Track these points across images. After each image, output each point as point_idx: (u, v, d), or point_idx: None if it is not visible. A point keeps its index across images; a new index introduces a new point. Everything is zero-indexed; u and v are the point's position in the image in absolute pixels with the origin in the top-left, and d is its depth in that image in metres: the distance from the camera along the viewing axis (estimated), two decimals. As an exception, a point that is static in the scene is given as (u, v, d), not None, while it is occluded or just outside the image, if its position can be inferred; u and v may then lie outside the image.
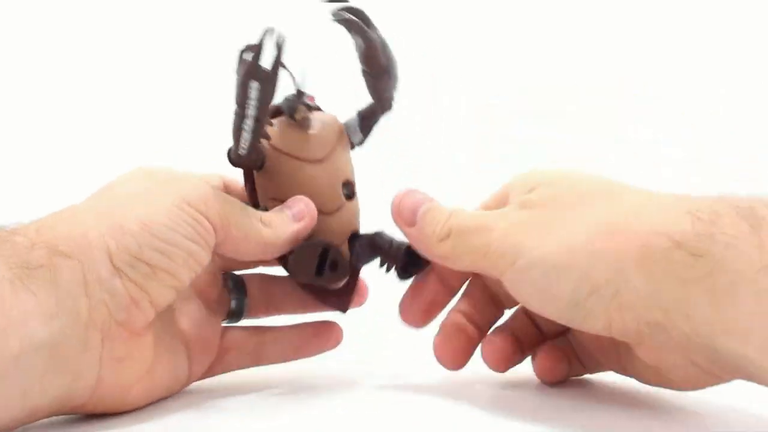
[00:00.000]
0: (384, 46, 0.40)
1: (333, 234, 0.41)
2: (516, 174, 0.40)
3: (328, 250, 0.40)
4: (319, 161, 0.41)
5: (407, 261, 0.42)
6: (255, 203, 0.41)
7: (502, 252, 0.37)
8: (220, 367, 0.43)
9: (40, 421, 0.35)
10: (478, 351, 0.43)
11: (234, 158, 0.39)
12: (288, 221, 0.40)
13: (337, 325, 0.45)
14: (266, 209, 0.40)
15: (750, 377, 0.33)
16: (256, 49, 0.37)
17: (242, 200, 0.40)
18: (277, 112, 0.41)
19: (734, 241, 0.31)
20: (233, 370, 0.44)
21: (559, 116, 0.83)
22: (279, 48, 0.37)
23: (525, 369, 0.43)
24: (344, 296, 0.43)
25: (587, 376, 0.44)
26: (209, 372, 0.42)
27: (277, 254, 0.40)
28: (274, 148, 0.40)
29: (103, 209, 0.36)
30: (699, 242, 0.32)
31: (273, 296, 0.45)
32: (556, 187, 0.38)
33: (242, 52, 0.37)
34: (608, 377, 0.43)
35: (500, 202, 0.40)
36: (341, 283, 0.43)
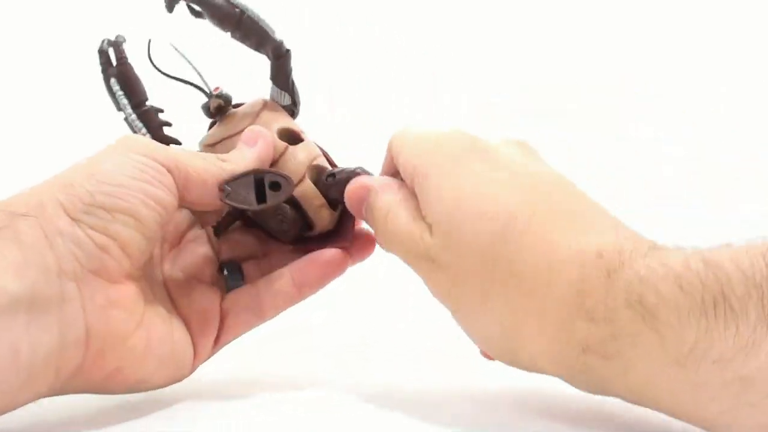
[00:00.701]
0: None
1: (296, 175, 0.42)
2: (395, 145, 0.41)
3: (261, 173, 0.40)
4: (240, 132, 0.42)
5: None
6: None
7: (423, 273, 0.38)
8: (225, 335, 0.41)
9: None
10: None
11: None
12: (244, 150, 0.40)
13: (338, 251, 0.42)
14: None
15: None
16: (100, 56, 0.41)
17: None
18: (212, 124, 0.43)
19: (636, 340, 0.31)
20: (239, 334, 0.42)
21: (560, 114, 0.83)
22: (116, 44, 0.41)
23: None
24: (340, 239, 0.43)
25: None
26: (218, 343, 0.41)
27: None
28: (206, 148, 0.43)
29: (55, 177, 0.37)
30: (604, 346, 0.32)
31: (269, 267, 0.43)
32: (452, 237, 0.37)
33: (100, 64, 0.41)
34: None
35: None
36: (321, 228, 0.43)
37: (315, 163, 0.43)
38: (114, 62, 0.42)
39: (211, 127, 0.44)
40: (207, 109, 0.42)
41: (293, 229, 0.42)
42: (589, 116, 0.82)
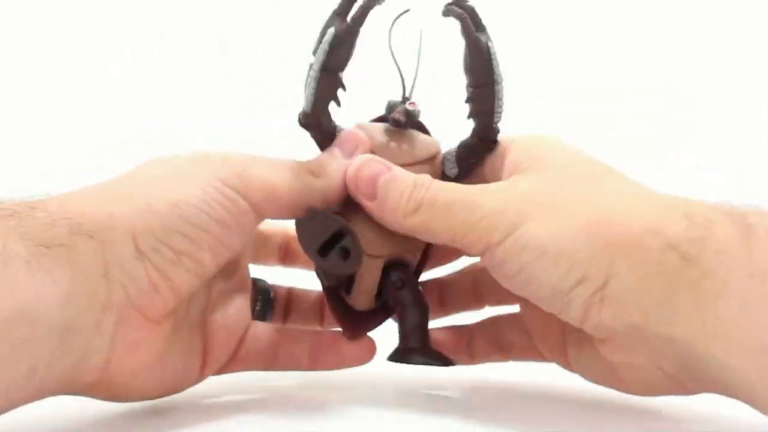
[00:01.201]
0: (491, 55, 0.37)
1: (380, 249, 0.38)
2: (514, 137, 0.39)
3: (344, 232, 0.36)
4: (399, 166, 0.38)
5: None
6: None
7: (493, 228, 0.34)
8: (232, 365, 0.40)
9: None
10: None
11: (300, 117, 0.37)
12: (339, 160, 0.37)
13: (369, 338, 0.40)
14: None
15: (725, 387, 0.33)
16: (343, 4, 0.36)
17: None
18: (383, 119, 0.39)
19: (724, 247, 0.31)
20: (244, 369, 0.40)
21: (601, 117, 0.82)
22: (366, 6, 0.36)
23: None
24: (361, 325, 0.40)
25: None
26: (224, 369, 0.40)
27: (341, 199, 0.38)
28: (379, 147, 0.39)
29: (132, 188, 0.35)
30: (691, 246, 0.32)
31: (295, 310, 0.43)
32: (559, 158, 0.37)
33: (334, 10, 0.37)
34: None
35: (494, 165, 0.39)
36: (362, 305, 0.39)
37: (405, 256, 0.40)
38: (349, 18, 0.36)
39: (376, 120, 0.40)
40: (390, 109, 0.38)
41: (330, 280, 0.39)
42: (629, 143, 0.81)
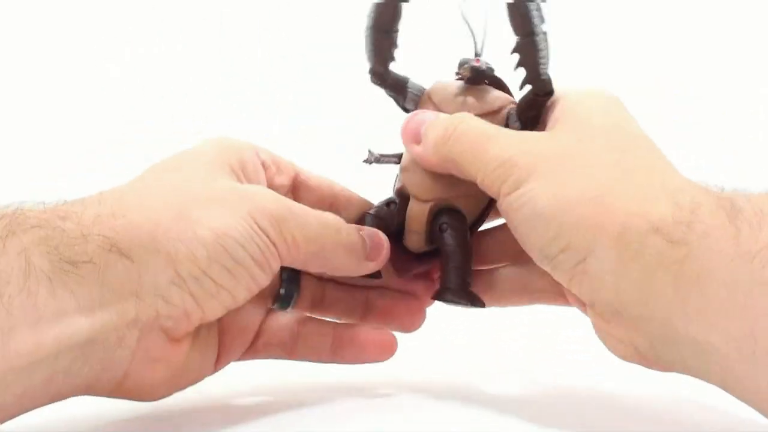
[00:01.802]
0: (529, 7, 0.38)
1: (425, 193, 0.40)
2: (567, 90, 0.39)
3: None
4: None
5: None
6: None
7: (503, 180, 0.36)
8: (248, 354, 0.40)
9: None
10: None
11: (369, 74, 0.39)
12: (360, 249, 0.39)
13: (390, 333, 0.41)
14: (378, 156, 0.42)
15: (697, 370, 0.33)
16: None
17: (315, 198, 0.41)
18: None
19: (710, 230, 0.32)
20: (263, 358, 0.41)
21: None
22: None
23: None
24: (408, 264, 0.42)
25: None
26: (242, 358, 0.40)
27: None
28: (427, 96, 0.40)
29: (174, 203, 0.34)
30: (676, 229, 0.32)
31: (323, 297, 0.42)
32: (592, 119, 0.37)
33: None
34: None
35: None
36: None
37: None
38: None
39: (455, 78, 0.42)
40: (460, 66, 0.40)
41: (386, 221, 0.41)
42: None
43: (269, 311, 0.41)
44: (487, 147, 0.36)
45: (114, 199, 0.34)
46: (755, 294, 0.30)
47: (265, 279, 0.35)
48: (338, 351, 0.41)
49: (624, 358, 0.36)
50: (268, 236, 0.35)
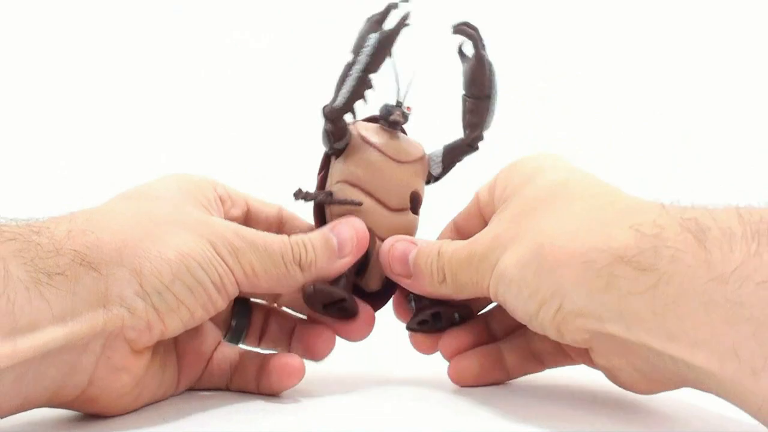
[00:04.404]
0: (492, 71, 0.41)
1: (388, 233, 0.42)
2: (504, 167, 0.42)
3: (343, 300, 0.41)
4: (399, 162, 0.42)
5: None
6: (322, 187, 0.43)
7: (483, 276, 0.39)
8: (202, 382, 0.43)
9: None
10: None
11: (327, 111, 0.40)
12: (332, 257, 0.40)
13: (296, 358, 0.41)
14: (330, 194, 0.42)
15: (696, 386, 0.33)
16: (383, 13, 0.40)
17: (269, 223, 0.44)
18: (373, 120, 0.43)
19: (679, 254, 0.32)
20: (210, 387, 0.43)
21: (601, 117, 0.84)
22: (404, 18, 0.40)
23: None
24: (369, 302, 0.43)
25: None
26: (197, 385, 0.42)
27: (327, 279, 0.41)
28: (363, 138, 0.42)
29: (142, 224, 0.37)
30: (642, 256, 0.33)
31: (271, 330, 0.45)
32: (535, 182, 0.39)
33: (368, 17, 0.40)
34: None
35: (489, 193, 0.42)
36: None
37: None
38: (391, 25, 0.40)
39: (372, 121, 0.43)
40: (387, 111, 0.42)
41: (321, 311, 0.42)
42: (628, 144, 0.83)
43: (219, 343, 0.43)
44: (470, 265, 0.39)
45: (84, 218, 0.36)
46: (733, 314, 0.30)
47: (221, 302, 0.37)
48: (261, 381, 0.41)
49: (636, 387, 0.37)
50: (226, 263, 0.37)
